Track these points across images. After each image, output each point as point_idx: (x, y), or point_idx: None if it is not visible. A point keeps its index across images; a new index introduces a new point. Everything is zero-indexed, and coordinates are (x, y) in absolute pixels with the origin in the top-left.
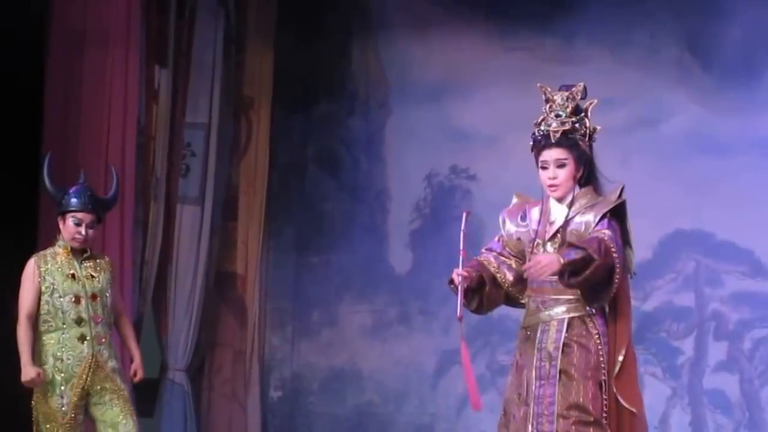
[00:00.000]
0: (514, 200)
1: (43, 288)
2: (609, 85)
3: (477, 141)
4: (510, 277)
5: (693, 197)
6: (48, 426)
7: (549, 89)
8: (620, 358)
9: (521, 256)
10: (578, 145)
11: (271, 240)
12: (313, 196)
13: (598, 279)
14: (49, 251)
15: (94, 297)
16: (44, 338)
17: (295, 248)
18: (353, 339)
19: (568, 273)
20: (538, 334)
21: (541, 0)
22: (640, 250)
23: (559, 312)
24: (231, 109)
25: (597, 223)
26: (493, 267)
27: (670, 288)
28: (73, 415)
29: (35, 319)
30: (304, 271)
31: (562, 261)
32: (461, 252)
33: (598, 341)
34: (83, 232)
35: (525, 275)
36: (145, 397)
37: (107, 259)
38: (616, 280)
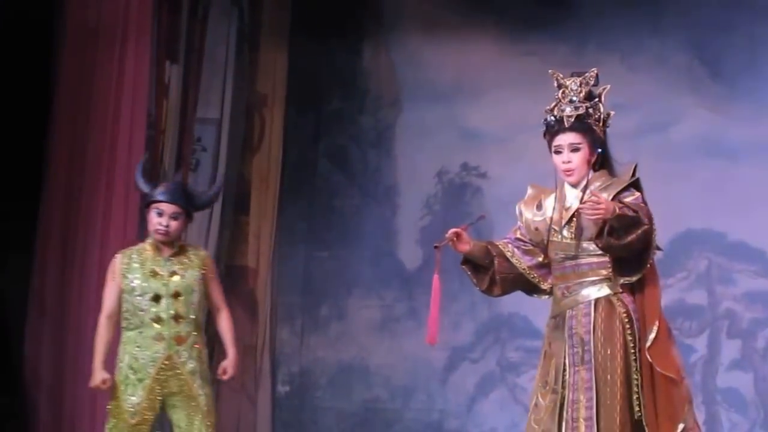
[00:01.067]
0: (530, 191)
1: (123, 286)
2: (619, 91)
3: (487, 140)
4: (527, 259)
5: (703, 199)
6: (115, 421)
7: (561, 75)
8: (652, 335)
9: (541, 247)
10: (593, 130)
11: (282, 234)
12: (323, 191)
13: (639, 245)
14: (136, 247)
15: (176, 295)
16: (124, 336)
17: (305, 242)
18: (362, 334)
19: (611, 233)
20: (567, 321)
21: (552, 6)
22: None
23: (586, 295)
24: (243, 106)
25: (615, 197)
26: (504, 247)
27: (682, 286)
28: (141, 418)
29: (118, 316)
30: (313, 266)
31: (617, 210)
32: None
33: (626, 319)
34: (165, 223)
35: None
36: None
37: (201, 254)
38: (653, 251)
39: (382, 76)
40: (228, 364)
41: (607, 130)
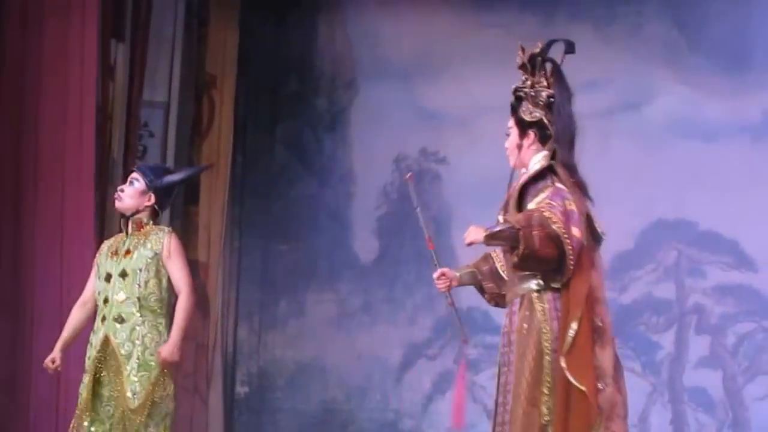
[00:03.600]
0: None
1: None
2: (591, 65)
3: (448, 123)
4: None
5: (676, 184)
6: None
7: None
8: (571, 333)
9: None
10: (516, 110)
11: (239, 226)
12: (280, 180)
13: (543, 252)
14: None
15: (123, 274)
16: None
17: (263, 235)
18: (319, 330)
19: (509, 251)
20: (504, 318)
21: None
22: (620, 240)
23: (515, 291)
24: (192, 88)
25: (531, 184)
26: (497, 258)
27: (649, 279)
28: (86, 402)
29: (93, 303)
30: (272, 259)
31: (485, 231)
32: (429, 244)
33: (542, 317)
34: (120, 187)
35: None
36: None
37: (161, 234)
38: (569, 249)
39: (338, 54)
40: (163, 348)
41: (552, 106)
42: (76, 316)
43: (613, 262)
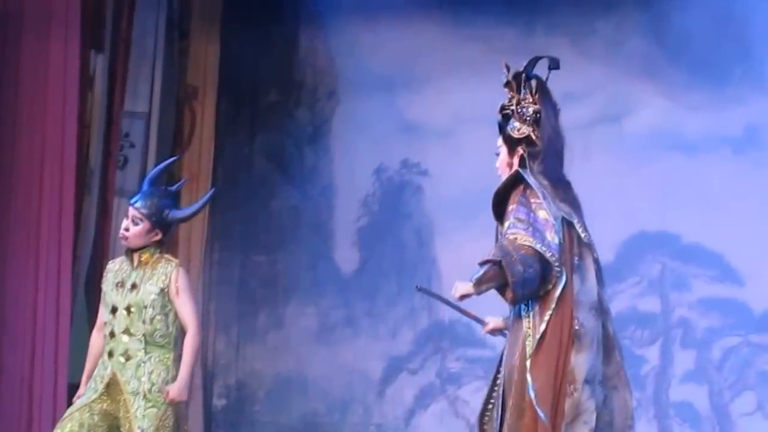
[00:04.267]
0: None
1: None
2: (570, 78)
3: (429, 134)
4: None
5: (658, 197)
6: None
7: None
8: (537, 336)
9: None
10: (504, 129)
11: (217, 238)
12: (260, 191)
13: (529, 272)
14: (122, 257)
15: (128, 309)
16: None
17: (242, 247)
18: (299, 343)
19: (507, 292)
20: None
21: None
22: (602, 252)
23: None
24: (173, 99)
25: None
26: None
27: (633, 292)
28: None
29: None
30: (249, 272)
31: (471, 282)
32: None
33: (527, 326)
34: (124, 227)
35: None
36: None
37: (169, 267)
38: (550, 256)
39: (319, 66)
40: (172, 386)
41: (539, 122)
42: (97, 344)
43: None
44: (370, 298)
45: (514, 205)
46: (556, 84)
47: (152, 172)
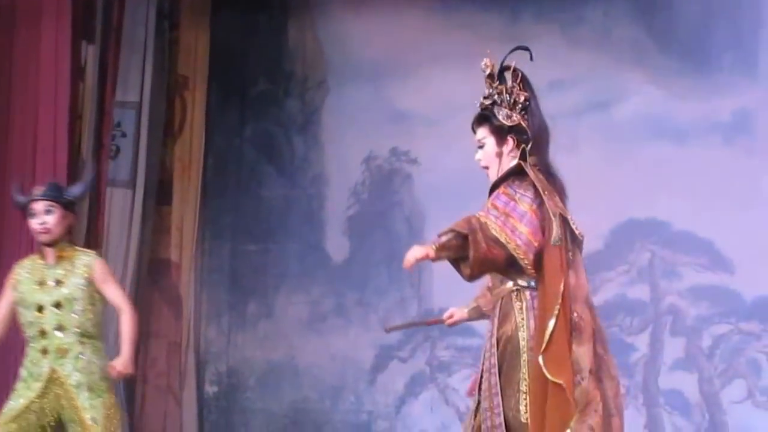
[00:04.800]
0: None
1: (15, 298)
2: (559, 66)
3: (418, 123)
4: None
5: (647, 184)
6: None
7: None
8: (548, 331)
9: None
10: (494, 117)
11: (207, 227)
12: (250, 181)
13: (492, 253)
14: (31, 257)
15: (58, 305)
16: (27, 349)
17: (232, 236)
18: (290, 332)
19: (465, 267)
20: (488, 324)
21: None
22: (590, 241)
23: (497, 293)
24: (164, 89)
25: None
26: None
27: (622, 280)
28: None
29: (4, 326)
30: (240, 261)
31: (433, 246)
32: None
33: (521, 316)
34: (40, 221)
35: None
36: None
37: (87, 258)
38: (514, 248)
39: (308, 55)
40: (117, 362)
41: (532, 109)
42: None
43: (585, 263)
44: (361, 287)
45: (497, 192)
46: (544, 71)
47: (17, 189)
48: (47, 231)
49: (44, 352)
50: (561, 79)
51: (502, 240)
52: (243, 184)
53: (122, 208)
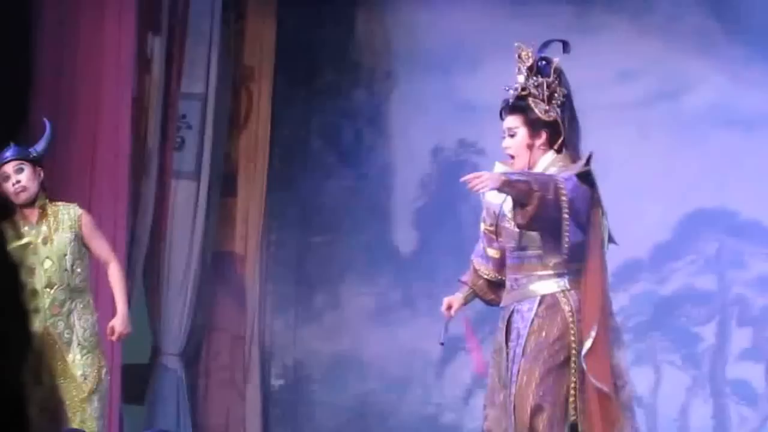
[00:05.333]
0: (497, 168)
1: None
2: (627, 55)
3: (486, 114)
4: (492, 267)
5: (716, 174)
6: None
7: (524, 49)
8: (592, 334)
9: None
10: (531, 110)
11: (273, 219)
12: (317, 172)
13: (546, 216)
14: (10, 222)
15: (48, 263)
16: None
17: (298, 227)
18: (356, 324)
19: (515, 207)
20: (513, 314)
21: None
22: (658, 231)
23: (533, 290)
24: (230, 80)
25: None
26: (481, 271)
27: (690, 270)
28: None
29: None
30: (306, 252)
31: (503, 177)
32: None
33: (570, 318)
34: (14, 181)
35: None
36: (134, 383)
37: (72, 211)
38: (566, 223)
39: (376, 46)
40: (115, 322)
41: (567, 107)
42: None
43: (652, 253)
44: (429, 279)
45: (573, 178)
46: (613, 61)
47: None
48: (24, 189)
49: (35, 311)
50: (630, 68)
51: (563, 213)
52: (309, 176)
53: (187, 199)
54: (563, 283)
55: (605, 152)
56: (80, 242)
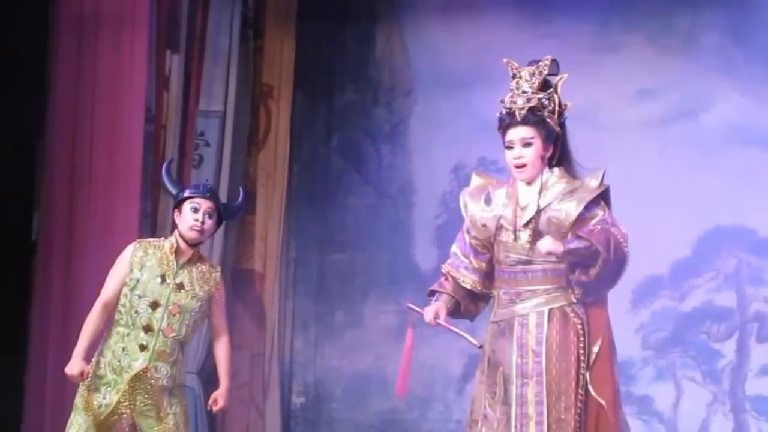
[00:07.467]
0: (475, 180)
1: (127, 279)
2: (646, 74)
3: None
4: (478, 279)
5: (735, 191)
6: (78, 417)
7: (516, 65)
8: (596, 348)
9: (487, 244)
10: (546, 123)
11: (293, 236)
12: (337, 189)
13: (606, 272)
14: (155, 241)
15: (174, 310)
16: (113, 329)
17: (319, 245)
18: (377, 341)
19: (576, 268)
20: (516, 329)
21: None
22: (678, 248)
23: (538, 303)
24: (249, 98)
25: (584, 210)
26: (463, 281)
27: (710, 287)
28: (106, 420)
29: (114, 306)
30: (327, 269)
31: (562, 248)
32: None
33: (580, 331)
34: (201, 219)
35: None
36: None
37: (216, 274)
38: (624, 271)
39: (396, 64)
40: (219, 394)
41: (566, 122)
42: (100, 320)
43: (672, 270)
44: None
45: (603, 214)
46: (632, 80)
47: (166, 171)
48: (201, 232)
49: (143, 348)
50: (650, 87)
51: (626, 263)
52: (330, 193)
53: None
54: (570, 295)
55: (625, 170)
56: (208, 305)
